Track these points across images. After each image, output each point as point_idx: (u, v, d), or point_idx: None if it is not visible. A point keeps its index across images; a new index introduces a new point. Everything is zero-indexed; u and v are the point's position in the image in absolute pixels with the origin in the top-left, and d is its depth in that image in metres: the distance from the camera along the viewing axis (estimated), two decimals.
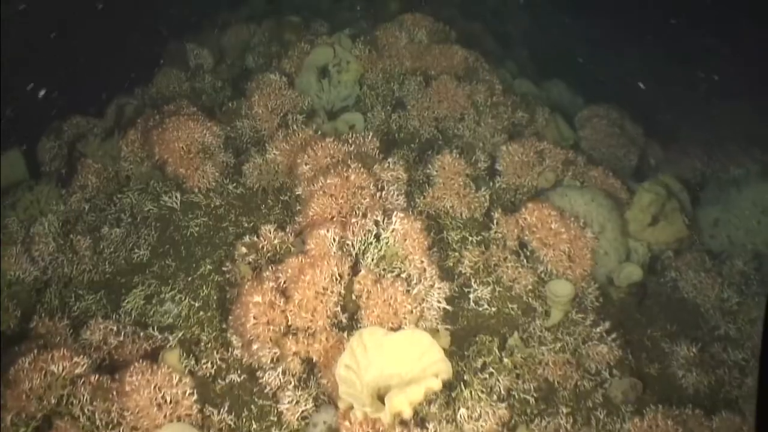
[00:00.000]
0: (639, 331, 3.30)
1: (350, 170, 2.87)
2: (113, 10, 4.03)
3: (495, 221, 3.10)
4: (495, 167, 3.47)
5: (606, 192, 3.33)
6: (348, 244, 2.71)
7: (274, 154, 3.27)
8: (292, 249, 2.89)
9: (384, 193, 2.96)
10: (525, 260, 3.03)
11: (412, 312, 2.54)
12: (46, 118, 3.94)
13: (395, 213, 2.71)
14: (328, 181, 2.84)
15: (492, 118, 3.68)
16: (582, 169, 3.57)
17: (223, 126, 3.61)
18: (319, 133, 3.31)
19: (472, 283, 2.98)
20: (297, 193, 3.01)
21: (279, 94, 3.57)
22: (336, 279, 2.56)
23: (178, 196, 3.27)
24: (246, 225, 3.21)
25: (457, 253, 3.09)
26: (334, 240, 2.67)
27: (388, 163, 3.08)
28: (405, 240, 2.71)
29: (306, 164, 3.05)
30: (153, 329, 2.77)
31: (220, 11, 5.42)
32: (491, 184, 3.43)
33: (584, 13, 6.61)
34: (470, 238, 3.15)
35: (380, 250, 2.73)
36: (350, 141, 3.10)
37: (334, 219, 2.83)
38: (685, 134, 5.05)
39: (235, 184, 3.35)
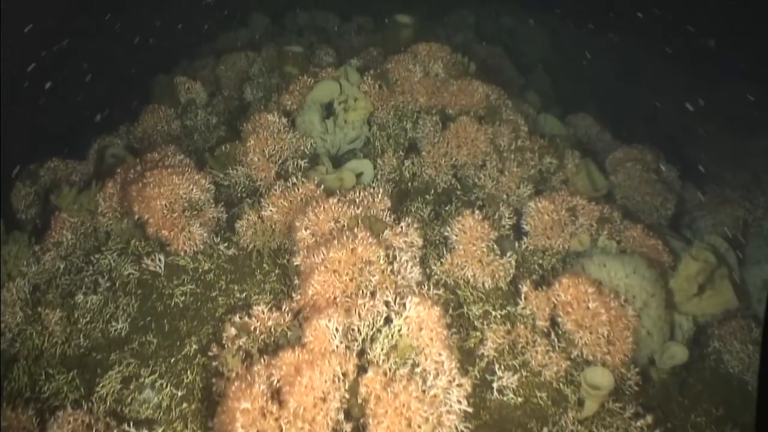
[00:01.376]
0: (682, 416, 2.94)
1: (357, 241, 2.50)
2: (98, 40, 3.68)
3: (523, 295, 2.71)
4: (521, 226, 3.07)
5: (648, 259, 2.92)
6: (354, 330, 2.33)
7: (271, 211, 2.90)
8: (289, 333, 2.51)
9: (396, 265, 2.59)
10: (556, 342, 2.65)
11: (428, 420, 2.15)
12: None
13: (409, 298, 2.33)
14: (331, 254, 2.47)
15: (517, 165, 3.29)
16: (618, 226, 3.17)
17: (215, 174, 3.25)
18: (322, 187, 2.91)
19: (496, 369, 2.61)
20: (295, 263, 2.61)
21: (277, 139, 3.21)
22: (339, 380, 2.18)
23: (162, 258, 2.91)
24: (238, 295, 2.85)
25: (478, 333, 2.71)
26: (337, 330, 2.28)
27: (401, 227, 2.69)
28: (421, 330, 2.33)
29: (306, 229, 2.68)
30: (129, 425, 2.40)
31: (218, 35, 5.08)
32: (517, 245, 3.04)
33: (603, 30, 6.22)
34: (494, 313, 2.78)
35: (391, 339, 2.35)
36: (357, 201, 2.71)
37: (337, 300, 2.45)
38: (720, 172, 4.66)
39: (226, 244, 2.99)
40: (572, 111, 4.98)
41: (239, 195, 3.28)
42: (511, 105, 3.62)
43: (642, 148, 3.96)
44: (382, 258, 2.51)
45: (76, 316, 2.90)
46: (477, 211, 2.84)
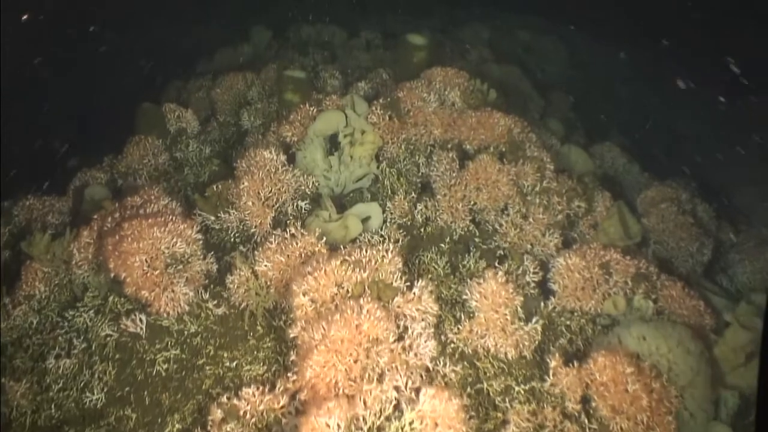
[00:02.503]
0: None
1: (363, 316, 2.15)
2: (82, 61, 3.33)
3: (551, 371, 2.35)
4: (548, 283, 2.71)
5: (691, 327, 2.56)
6: (358, 420, 1.99)
7: (266, 266, 2.55)
8: (283, 421, 2.17)
9: (408, 340, 2.24)
10: (587, 425, 2.30)
11: None
12: None
13: (424, 390, 1.98)
14: (333, 332, 2.14)
15: (543, 210, 2.96)
16: (655, 282, 2.80)
17: (205, 217, 2.90)
18: (324, 240, 2.56)
19: None
20: (291, 335, 2.27)
21: (275, 179, 2.89)
22: None
23: (144, 318, 2.61)
24: (228, 364, 2.52)
25: (500, 414, 2.36)
26: (338, 427, 1.94)
27: (414, 293, 2.34)
28: (436, 426, 1.98)
29: (305, 294, 2.34)
30: None
31: (218, 50, 4.72)
32: (542, 305, 2.68)
33: (620, 43, 5.83)
34: (517, 389, 2.46)
35: None
36: (363, 262, 2.36)
37: (340, 385, 2.10)
38: (752, 206, 4.29)
39: (216, 301, 2.67)
40: (595, 135, 4.62)
41: (232, 240, 2.94)
42: (535, 139, 3.24)
43: (675, 185, 3.59)
44: (391, 335, 2.16)
45: (47, 381, 2.58)
46: (500, 272, 2.48)
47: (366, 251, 2.45)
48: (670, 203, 3.41)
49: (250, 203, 2.81)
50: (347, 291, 2.34)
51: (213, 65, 4.97)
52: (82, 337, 2.67)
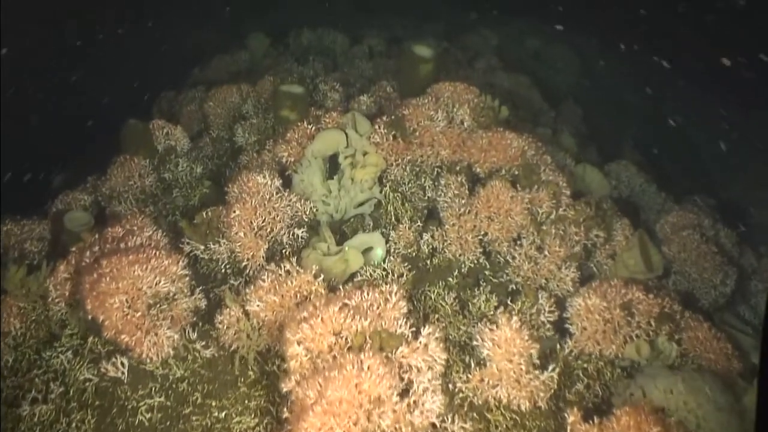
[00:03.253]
0: None
1: (364, 373, 1.92)
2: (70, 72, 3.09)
3: (568, 427, 2.13)
4: (564, 324, 2.48)
5: (720, 378, 2.33)
6: None
7: (258, 306, 2.31)
8: None
9: (413, 396, 2.01)
10: None
11: None
12: None
13: None
14: (330, 392, 1.91)
15: (559, 242, 2.70)
16: (678, 321, 2.57)
17: (194, 245, 2.66)
18: (321, 279, 2.33)
19: None
20: (284, 388, 2.04)
21: (269, 207, 2.66)
22: None
23: (125, 362, 2.36)
24: (216, 414, 2.31)
25: None
26: None
27: (420, 342, 2.10)
28: None
29: (299, 344, 2.10)
30: None
31: (214, 58, 4.46)
32: (559, 348, 2.45)
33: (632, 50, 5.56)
34: None
35: None
36: (365, 307, 2.13)
37: None
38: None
39: (204, 342, 2.42)
40: (608, 149, 4.38)
41: (223, 271, 2.71)
42: (550, 160, 3.00)
43: (697, 210, 3.35)
44: (395, 394, 1.93)
45: (21, 429, 2.34)
46: (514, 317, 2.24)
47: (367, 294, 2.22)
48: (692, 230, 3.18)
49: (241, 234, 2.58)
50: (346, 341, 2.11)
51: (208, 73, 4.73)
52: (59, 381, 2.45)
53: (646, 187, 3.80)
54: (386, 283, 2.67)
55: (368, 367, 1.98)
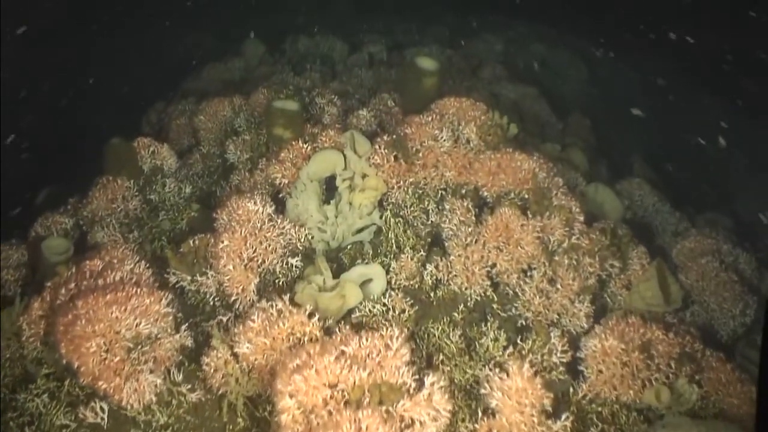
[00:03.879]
0: None
1: None
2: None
3: None
4: (578, 364, 2.28)
5: (744, 429, 2.14)
6: None
7: (247, 348, 2.10)
8: None
9: None
10: None
11: None
12: None
13: None
14: None
15: (572, 273, 2.49)
16: (700, 361, 2.38)
17: (180, 276, 2.45)
18: (316, 319, 2.12)
19: None
20: None
21: (260, 237, 2.46)
22: None
23: (105, 407, 2.14)
24: None
25: None
26: None
27: (424, 394, 1.90)
28: None
29: (291, 396, 1.88)
30: None
31: (206, 65, 4.23)
32: (572, 392, 2.25)
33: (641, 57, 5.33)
34: None
35: None
36: (363, 355, 1.93)
37: None
38: None
39: (190, 385, 2.21)
40: (618, 164, 4.17)
41: (212, 303, 2.49)
42: (562, 183, 2.79)
43: (715, 234, 3.13)
44: None
45: None
46: (526, 365, 2.03)
47: (366, 340, 2.01)
48: (711, 257, 2.98)
49: (230, 267, 2.37)
50: (343, 395, 1.90)
51: (201, 83, 4.50)
52: (35, 425, 2.24)
53: (660, 206, 3.60)
54: (386, 320, 2.49)
55: (367, 427, 1.78)
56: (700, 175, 4.53)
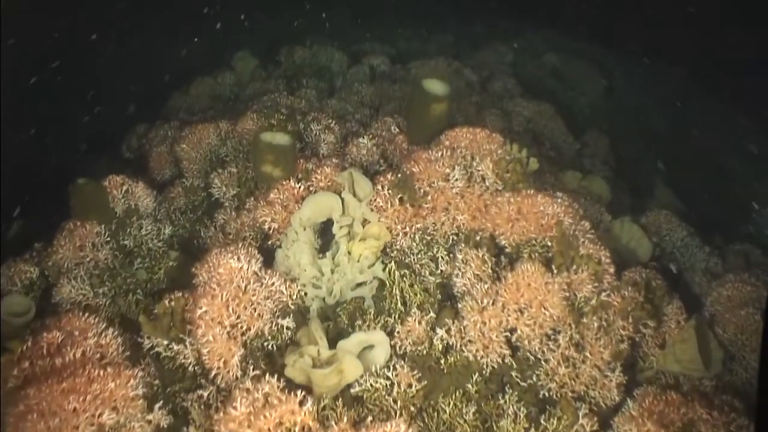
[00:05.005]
0: None
1: None
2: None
3: None
4: None
5: None
6: None
7: None
8: None
9: None
10: None
11: None
12: None
13: None
14: None
15: (603, 338, 2.14)
16: None
17: (155, 341, 2.12)
18: (309, 404, 1.79)
19: None
20: None
21: (244, 301, 2.13)
22: None
23: None
24: None
25: None
26: None
27: None
28: None
29: None
30: None
31: (194, 82, 3.84)
32: None
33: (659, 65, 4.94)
34: None
35: None
36: None
37: None
38: None
39: None
40: (640, 188, 3.82)
41: (191, 370, 2.15)
42: (589, 227, 2.44)
43: (754, 280, 2.78)
44: None
45: None
46: None
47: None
48: (752, 308, 2.63)
49: (210, 337, 2.02)
50: None
51: (188, 100, 4.13)
52: None
53: (689, 240, 3.25)
54: (390, 396, 2.15)
55: None
56: (725, 197, 4.19)
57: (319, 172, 2.55)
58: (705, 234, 3.64)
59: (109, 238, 2.51)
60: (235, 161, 2.90)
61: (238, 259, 2.22)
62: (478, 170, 2.57)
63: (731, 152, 4.67)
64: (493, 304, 2.22)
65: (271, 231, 2.50)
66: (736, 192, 4.49)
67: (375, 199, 2.44)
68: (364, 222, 2.42)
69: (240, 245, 2.29)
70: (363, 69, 4.44)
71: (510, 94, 4.28)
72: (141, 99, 3.92)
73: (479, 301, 2.22)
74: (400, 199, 2.47)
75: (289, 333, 2.30)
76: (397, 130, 3.08)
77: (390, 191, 2.47)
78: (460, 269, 2.40)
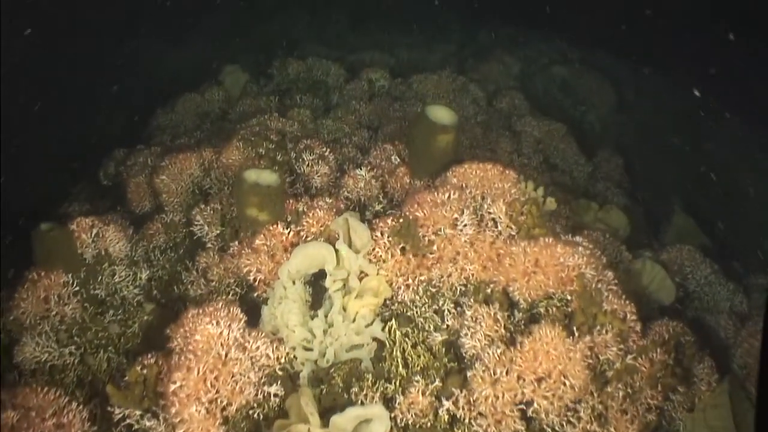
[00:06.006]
0: None
1: None
2: None
3: None
4: None
5: None
6: None
7: None
8: None
9: None
10: None
11: None
12: None
13: None
14: None
15: (629, 414, 1.87)
16: None
17: (127, 412, 1.86)
18: None
19: None
20: None
21: (224, 373, 1.84)
22: None
23: None
24: None
25: None
26: None
27: None
28: None
29: None
30: None
31: (179, 99, 3.52)
32: None
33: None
34: None
35: None
36: None
37: None
38: None
39: None
40: (658, 214, 3.54)
41: None
42: (612, 277, 2.17)
43: None
44: None
45: None
46: None
47: None
48: None
49: (185, 416, 1.76)
50: None
51: (173, 119, 3.82)
52: None
53: (713, 278, 2.98)
54: None
55: None
56: (742, 218, 3.93)
57: (311, 215, 2.26)
58: (724, 263, 3.38)
59: (78, 288, 2.23)
60: (218, 195, 2.61)
61: (217, 323, 1.94)
62: (490, 213, 2.29)
63: (748, 170, 4.40)
64: (507, 374, 1.94)
65: (256, 282, 2.23)
66: (755, 211, 4.22)
67: (374, 249, 2.18)
68: (362, 275, 2.15)
69: (221, 304, 2.02)
70: (361, 84, 4.13)
71: (518, 112, 3.99)
72: (121, 117, 3.62)
73: (492, 371, 1.95)
74: (402, 249, 2.19)
75: (277, 401, 2.04)
76: (398, 160, 2.79)
77: (391, 239, 2.19)
78: (469, 328, 2.12)
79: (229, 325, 1.95)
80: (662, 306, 2.80)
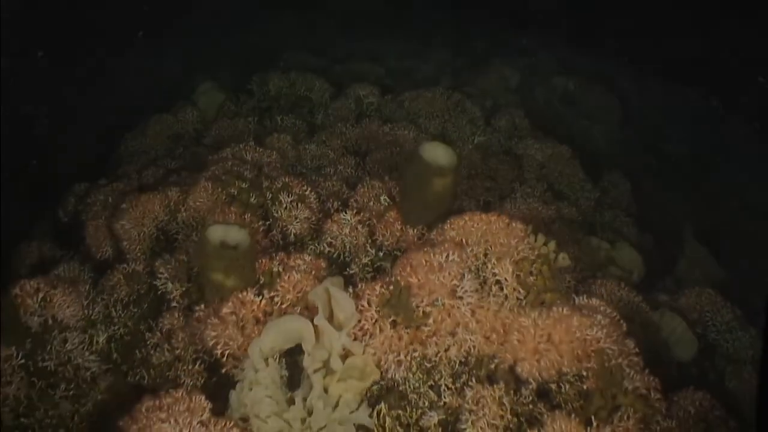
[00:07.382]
0: None
1: None
2: None
3: None
4: None
5: None
6: None
7: None
8: None
9: None
10: None
11: None
12: None
13: None
14: None
15: None
16: None
17: None
18: None
19: None
20: None
21: None
22: None
23: None
24: None
25: None
26: None
27: None
28: None
29: None
30: None
31: (150, 120, 3.18)
32: None
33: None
34: None
35: None
36: None
37: None
38: None
39: None
40: (669, 246, 3.23)
41: None
42: (633, 346, 1.86)
43: None
44: None
45: None
46: None
47: None
48: None
49: None
50: None
51: (144, 143, 3.46)
52: None
53: (734, 324, 2.69)
54: None
55: None
56: (755, 240, 3.64)
57: (286, 278, 1.94)
58: (740, 298, 3.10)
59: (23, 361, 1.91)
60: (185, 243, 2.28)
61: (175, 421, 1.63)
62: (494, 274, 1.98)
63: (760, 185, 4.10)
64: None
65: (224, 358, 1.92)
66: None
67: (360, 321, 1.86)
68: (345, 354, 1.84)
69: (181, 393, 1.70)
70: (348, 103, 3.77)
71: (519, 132, 3.66)
72: (87, 143, 3.25)
73: None
74: (393, 323, 1.88)
75: None
76: (388, 201, 2.45)
77: (379, 310, 1.88)
78: (470, 413, 1.82)
79: (189, 423, 1.64)
80: (682, 362, 2.52)
